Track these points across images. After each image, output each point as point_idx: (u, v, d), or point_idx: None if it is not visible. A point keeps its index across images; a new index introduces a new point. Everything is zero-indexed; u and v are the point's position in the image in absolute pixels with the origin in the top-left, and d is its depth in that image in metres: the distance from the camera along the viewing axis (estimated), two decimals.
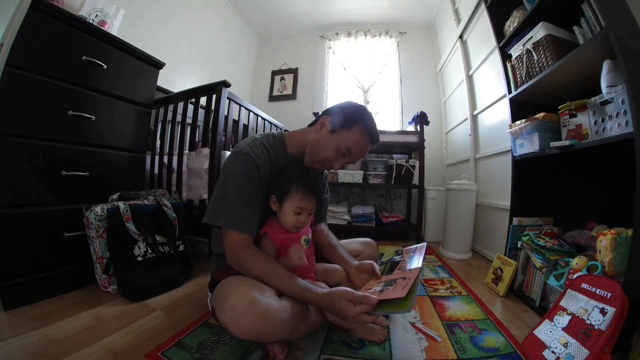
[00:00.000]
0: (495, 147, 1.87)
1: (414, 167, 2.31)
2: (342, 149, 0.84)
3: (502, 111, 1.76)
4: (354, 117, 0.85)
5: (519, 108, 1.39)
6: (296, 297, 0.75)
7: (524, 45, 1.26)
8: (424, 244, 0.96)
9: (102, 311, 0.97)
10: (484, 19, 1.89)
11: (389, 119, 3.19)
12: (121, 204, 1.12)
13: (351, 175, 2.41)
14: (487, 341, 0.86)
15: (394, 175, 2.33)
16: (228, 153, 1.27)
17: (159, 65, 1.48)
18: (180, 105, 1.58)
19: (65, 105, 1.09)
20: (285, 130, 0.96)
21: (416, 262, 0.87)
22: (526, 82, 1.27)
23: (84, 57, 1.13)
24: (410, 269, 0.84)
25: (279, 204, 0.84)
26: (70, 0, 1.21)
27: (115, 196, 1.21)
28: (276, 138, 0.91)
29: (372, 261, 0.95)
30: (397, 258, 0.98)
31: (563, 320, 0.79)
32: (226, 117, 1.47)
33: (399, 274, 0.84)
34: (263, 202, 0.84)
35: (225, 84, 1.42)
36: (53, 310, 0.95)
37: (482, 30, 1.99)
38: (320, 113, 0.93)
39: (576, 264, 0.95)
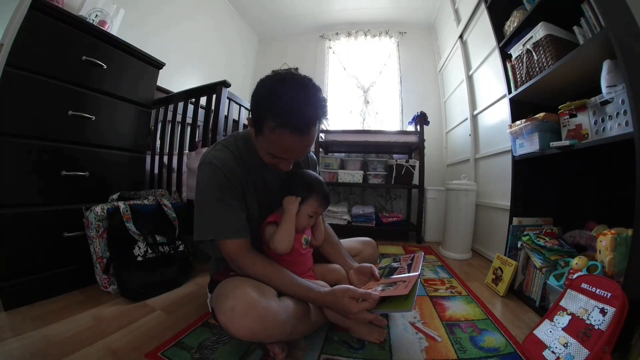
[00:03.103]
0: (495, 147, 1.87)
1: (414, 167, 2.31)
2: (271, 154, 0.74)
3: (502, 111, 1.76)
4: (259, 114, 0.68)
5: (519, 108, 1.39)
6: (299, 297, 0.75)
7: (524, 45, 1.26)
8: (422, 254, 0.97)
9: (102, 311, 0.97)
10: (484, 19, 1.89)
11: (389, 119, 3.19)
12: (121, 204, 1.12)
13: (351, 175, 2.40)
14: (487, 341, 0.86)
15: (394, 175, 2.33)
16: None
17: (159, 65, 1.48)
18: (180, 105, 1.58)
19: (65, 105, 1.09)
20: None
21: (414, 268, 0.88)
22: (526, 82, 1.27)
23: (84, 57, 1.13)
24: (409, 275, 0.84)
25: None
26: (70, 0, 1.21)
27: (115, 196, 1.21)
28: (239, 137, 0.87)
29: (372, 264, 0.95)
30: (395, 264, 0.99)
31: (563, 320, 0.79)
32: (226, 117, 1.47)
33: (399, 279, 0.84)
34: (245, 199, 0.83)
35: (225, 84, 1.42)
36: (53, 310, 0.95)
37: (482, 30, 1.98)
38: None
39: (576, 264, 0.95)
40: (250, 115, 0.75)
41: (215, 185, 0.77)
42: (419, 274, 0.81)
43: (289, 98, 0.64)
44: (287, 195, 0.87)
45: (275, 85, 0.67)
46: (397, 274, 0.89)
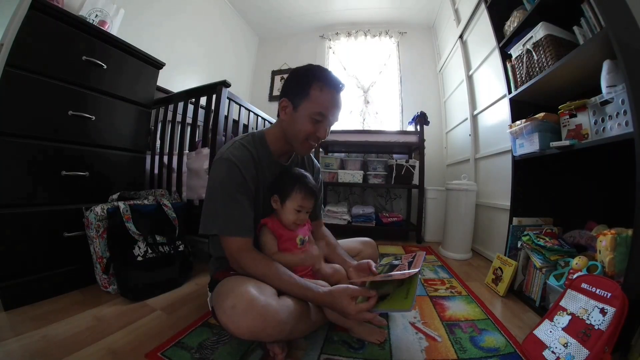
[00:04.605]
0: (495, 147, 1.87)
1: (414, 167, 2.31)
2: (315, 117, 0.82)
3: (502, 111, 1.76)
4: (305, 82, 0.82)
5: (519, 108, 1.39)
6: (298, 296, 0.75)
7: (524, 45, 1.26)
8: (423, 253, 0.95)
9: (102, 311, 0.97)
10: (484, 19, 1.89)
11: (389, 119, 3.19)
12: (121, 204, 1.12)
13: (351, 175, 2.40)
14: (487, 341, 0.86)
15: (394, 175, 2.33)
16: None
17: (159, 65, 1.48)
18: (180, 105, 1.58)
19: (65, 105, 1.09)
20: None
21: (415, 266, 0.86)
22: (526, 82, 1.27)
23: (84, 57, 1.13)
24: (409, 271, 0.84)
25: (281, 202, 0.87)
26: (70, 0, 1.21)
27: (115, 196, 1.21)
28: (256, 136, 0.90)
29: (369, 260, 0.96)
30: (396, 262, 0.98)
31: (563, 320, 0.79)
32: (226, 117, 1.47)
33: (398, 275, 0.84)
34: (255, 201, 0.85)
35: (225, 84, 1.42)
36: (53, 310, 0.95)
37: (482, 30, 1.99)
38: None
39: (576, 264, 0.95)
40: (287, 95, 0.86)
41: (229, 182, 0.79)
42: (418, 270, 0.81)
43: (327, 71, 0.85)
44: (273, 192, 0.89)
45: (310, 66, 0.87)
46: (397, 270, 0.89)
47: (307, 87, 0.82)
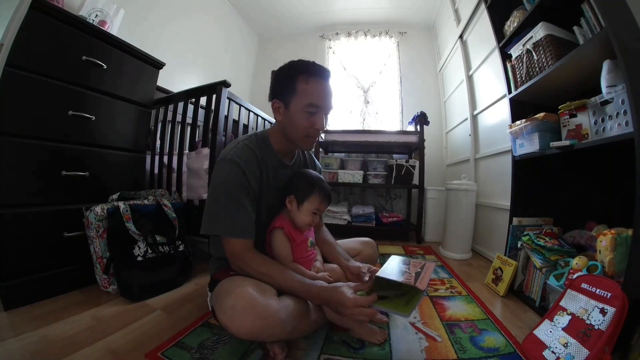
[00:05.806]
0: (495, 147, 1.87)
1: (414, 167, 2.31)
2: (308, 110, 0.81)
3: (502, 111, 1.76)
4: (290, 78, 0.82)
5: (519, 108, 1.39)
6: (299, 294, 0.76)
7: (524, 45, 1.26)
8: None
9: (102, 311, 0.97)
10: (484, 19, 1.89)
11: (389, 119, 3.19)
12: (121, 204, 1.12)
13: (351, 175, 2.40)
14: (487, 341, 0.86)
15: (394, 175, 2.33)
16: None
17: (159, 65, 1.48)
18: (180, 105, 1.58)
19: (65, 105, 1.09)
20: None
21: (422, 280, 0.79)
22: (526, 82, 1.27)
23: (84, 57, 1.13)
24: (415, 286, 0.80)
25: (298, 203, 0.87)
26: (70, 0, 1.21)
27: (115, 196, 1.21)
28: (259, 137, 0.91)
29: (360, 265, 0.92)
30: (403, 266, 0.95)
31: (563, 320, 0.79)
32: (226, 117, 1.47)
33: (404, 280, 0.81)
34: (258, 201, 0.85)
35: (225, 84, 1.42)
36: (53, 310, 0.95)
37: (482, 30, 1.99)
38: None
39: (576, 264, 0.95)
40: (276, 95, 0.85)
41: (232, 183, 0.79)
42: (424, 290, 0.75)
43: (308, 62, 0.84)
44: (289, 193, 0.88)
45: (291, 62, 0.85)
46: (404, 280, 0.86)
47: (292, 83, 0.81)
